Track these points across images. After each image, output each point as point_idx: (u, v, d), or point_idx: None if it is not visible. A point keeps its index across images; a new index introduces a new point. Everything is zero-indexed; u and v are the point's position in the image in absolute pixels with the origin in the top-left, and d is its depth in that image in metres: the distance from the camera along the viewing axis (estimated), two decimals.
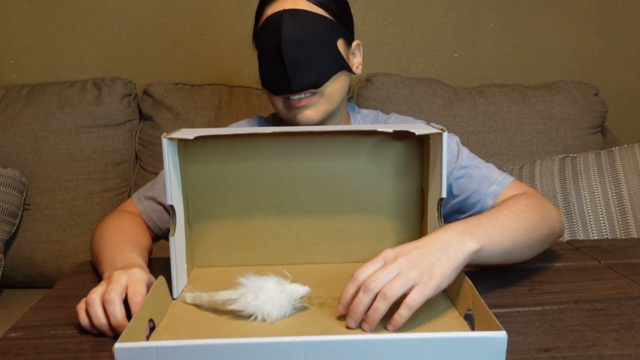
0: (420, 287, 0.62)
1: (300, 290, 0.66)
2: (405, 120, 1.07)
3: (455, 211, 0.95)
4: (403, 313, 0.61)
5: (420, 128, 0.72)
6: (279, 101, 0.96)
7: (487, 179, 0.92)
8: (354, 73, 1.00)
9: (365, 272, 0.64)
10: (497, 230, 0.72)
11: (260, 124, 1.08)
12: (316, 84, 0.92)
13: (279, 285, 0.66)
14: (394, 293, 0.61)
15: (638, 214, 1.30)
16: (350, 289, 0.64)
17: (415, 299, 0.61)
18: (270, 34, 0.92)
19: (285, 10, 0.91)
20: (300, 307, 0.67)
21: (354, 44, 1.01)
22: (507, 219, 0.76)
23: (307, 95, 0.93)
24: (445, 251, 0.65)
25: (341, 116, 1.02)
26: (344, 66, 0.96)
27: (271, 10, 0.94)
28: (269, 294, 0.65)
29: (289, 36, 0.90)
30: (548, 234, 0.82)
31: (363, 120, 1.09)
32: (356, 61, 1.01)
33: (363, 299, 0.62)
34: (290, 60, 0.90)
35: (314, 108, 0.94)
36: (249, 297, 0.64)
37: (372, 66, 1.76)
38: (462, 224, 0.70)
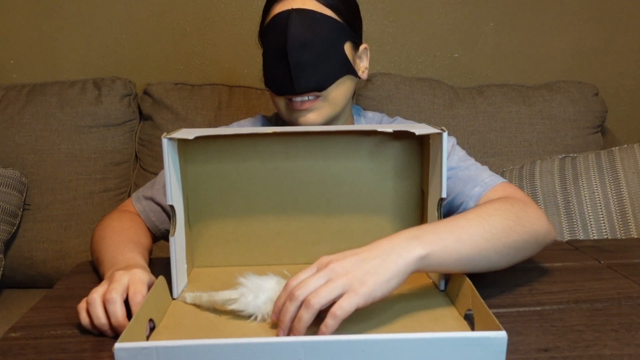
0: (350, 295, 0.57)
1: None
2: (409, 123, 1.06)
3: (445, 214, 0.93)
4: (329, 323, 0.57)
5: (420, 128, 0.72)
6: (281, 102, 0.95)
7: (473, 180, 0.89)
8: (359, 78, 0.98)
9: (297, 279, 0.61)
10: (453, 235, 0.66)
11: (263, 123, 1.08)
12: (320, 87, 0.90)
13: (279, 285, 0.65)
14: (319, 301, 0.57)
15: (638, 214, 1.30)
16: (282, 297, 0.61)
17: (341, 307, 0.57)
18: (277, 33, 0.90)
19: (293, 10, 0.89)
20: None
21: (362, 47, 0.99)
22: (469, 223, 0.70)
23: (310, 98, 0.91)
24: (385, 257, 0.61)
25: (345, 120, 1.01)
26: (350, 70, 0.94)
27: (279, 8, 0.92)
28: (269, 294, 0.64)
29: (296, 36, 0.88)
30: (525, 239, 0.74)
31: (367, 123, 1.07)
32: (362, 65, 0.99)
33: (289, 308, 0.59)
34: (295, 61, 0.88)
35: (317, 112, 0.93)
36: (249, 297, 0.64)
37: (372, 66, 1.76)
38: (413, 229, 0.66)
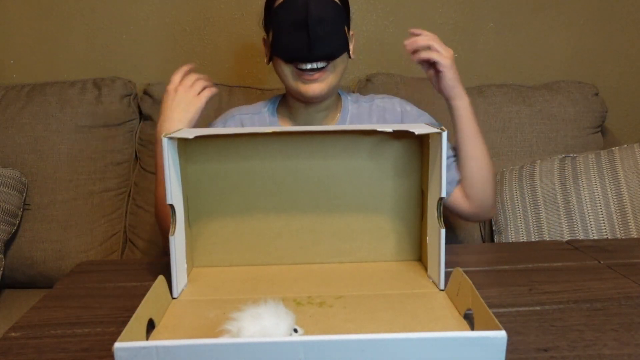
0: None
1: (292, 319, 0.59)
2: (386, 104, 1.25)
3: None
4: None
5: (420, 128, 0.72)
6: (287, 69, 1.11)
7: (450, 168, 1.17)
8: (350, 57, 1.15)
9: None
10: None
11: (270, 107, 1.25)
12: (330, 56, 1.09)
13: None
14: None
15: (638, 213, 1.30)
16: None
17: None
18: (296, 10, 1.06)
19: None
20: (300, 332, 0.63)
21: (351, 33, 1.17)
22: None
23: (319, 65, 1.09)
24: None
25: (334, 98, 1.21)
26: (347, 48, 1.13)
27: None
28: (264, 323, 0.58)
29: (315, 13, 1.05)
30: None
31: (350, 101, 1.24)
32: (351, 47, 1.16)
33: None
34: (314, 34, 1.05)
35: (325, 81, 1.11)
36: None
37: (372, 66, 1.76)
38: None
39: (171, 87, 1.10)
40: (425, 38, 1.07)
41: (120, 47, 1.73)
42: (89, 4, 1.70)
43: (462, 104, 1.11)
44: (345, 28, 1.11)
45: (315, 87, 1.10)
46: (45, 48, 1.72)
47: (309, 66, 1.08)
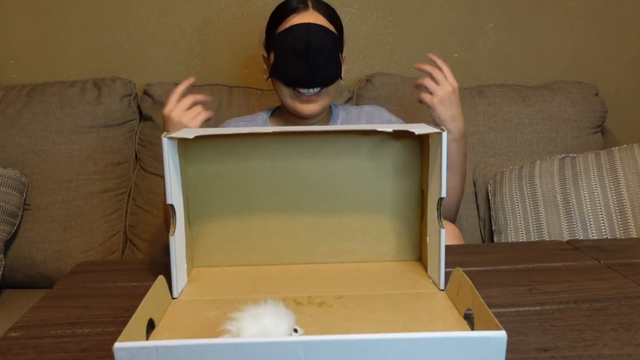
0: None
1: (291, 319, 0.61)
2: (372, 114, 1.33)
3: None
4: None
5: (420, 128, 0.72)
6: (286, 90, 1.20)
7: None
8: (341, 78, 1.25)
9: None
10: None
11: (264, 120, 1.30)
12: (327, 83, 1.19)
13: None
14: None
15: (637, 214, 1.30)
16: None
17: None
18: (297, 39, 1.14)
19: (311, 24, 1.15)
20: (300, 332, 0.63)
21: (343, 56, 1.25)
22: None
23: (315, 91, 1.18)
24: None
25: (326, 110, 1.30)
26: (340, 73, 1.22)
27: (297, 20, 1.16)
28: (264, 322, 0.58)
29: (315, 44, 1.14)
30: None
31: (341, 111, 1.33)
32: (344, 69, 1.26)
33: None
34: (313, 64, 1.14)
35: (319, 103, 1.20)
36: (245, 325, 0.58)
37: (372, 66, 1.76)
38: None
39: (166, 110, 1.11)
40: (428, 74, 1.18)
41: (120, 47, 1.73)
42: (89, 4, 1.70)
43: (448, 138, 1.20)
44: (340, 54, 1.20)
45: (310, 108, 1.20)
46: (45, 48, 1.73)
47: (305, 91, 1.17)
